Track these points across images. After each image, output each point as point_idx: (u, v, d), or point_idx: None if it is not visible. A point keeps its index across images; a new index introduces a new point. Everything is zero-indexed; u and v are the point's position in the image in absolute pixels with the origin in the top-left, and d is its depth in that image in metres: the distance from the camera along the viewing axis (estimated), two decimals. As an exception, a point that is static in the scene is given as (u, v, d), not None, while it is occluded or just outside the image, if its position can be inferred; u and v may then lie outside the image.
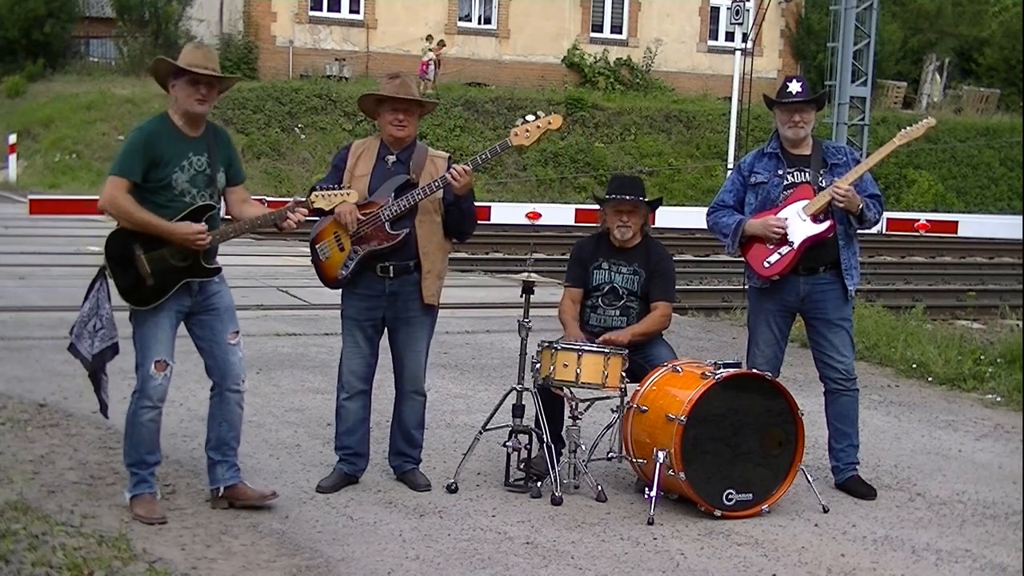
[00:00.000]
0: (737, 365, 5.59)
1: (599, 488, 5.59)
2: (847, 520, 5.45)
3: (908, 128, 5.94)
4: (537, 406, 5.69)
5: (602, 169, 27.76)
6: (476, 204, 5.72)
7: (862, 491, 5.82)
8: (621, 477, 5.94)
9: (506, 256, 17.65)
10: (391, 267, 5.46)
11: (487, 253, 17.77)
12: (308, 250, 5.68)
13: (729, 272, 15.87)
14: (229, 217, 5.23)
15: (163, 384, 5.00)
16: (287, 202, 5.20)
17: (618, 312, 5.99)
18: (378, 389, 5.74)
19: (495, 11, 31.37)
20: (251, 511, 5.13)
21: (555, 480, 5.52)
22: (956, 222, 25.06)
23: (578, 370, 5.56)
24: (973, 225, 25.01)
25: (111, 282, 4.97)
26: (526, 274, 5.76)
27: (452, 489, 5.57)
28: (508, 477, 5.69)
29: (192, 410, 6.61)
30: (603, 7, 32.40)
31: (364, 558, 4.70)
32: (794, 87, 5.82)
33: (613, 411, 5.83)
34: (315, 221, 5.56)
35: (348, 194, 5.24)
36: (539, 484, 5.60)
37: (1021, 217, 21.91)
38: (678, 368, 5.62)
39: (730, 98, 26.60)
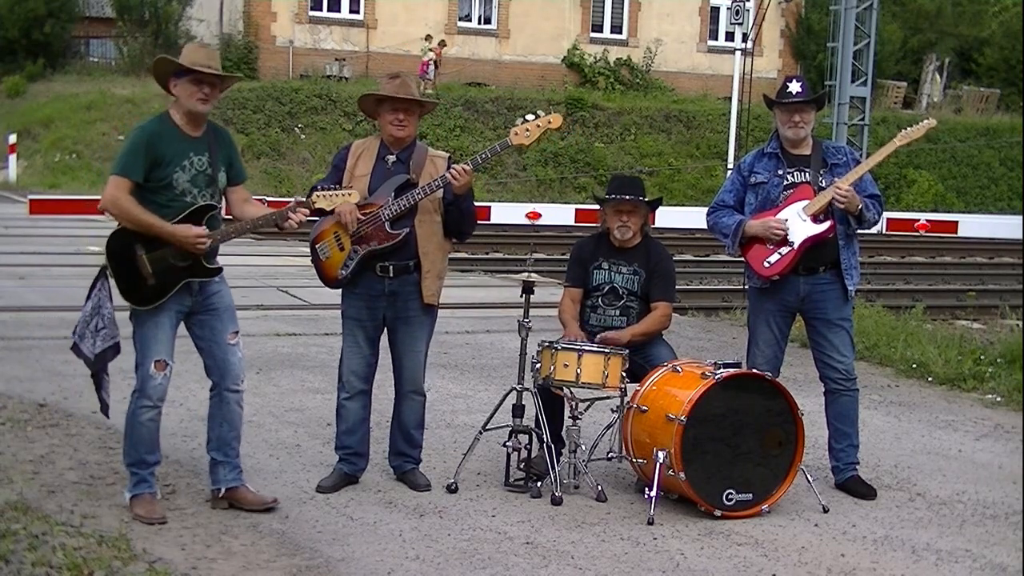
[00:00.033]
0: (737, 365, 5.59)
1: (599, 488, 5.59)
2: (847, 520, 5.45)
3: (908, 129, 5.94)
4: (537, 406, 5.69)
5: (602, 169, 27.77)
6: (476, 204, 5.72)
7: (862, 491, 5.82)
8: (621, 477, 5.94)
9: (506, 256, 17.65)
10: (391, 267, 5.46)
11: (487, 253, 17.77)
12: (308, 250, 5.69)
13: (729, 272, 15.87)
14: (230, 217, 5.24)
15: (163, 384, 5.00)
16: (287, 202, 5.20)
17: (618, 312, 5.99)
18: (378, 389, 5.74)
19: (495, 11, 31.37)
20: (251, 511, 5.13)
21: (555, 480, 5.52)
22: (956, 222, 25.08)
23: (578, 370, 5.56)
24: (973, 225, 25.02)
25: (112, 282, 4.97)
26: (526, 274, 5.76)
27: (452, 489, 5.57)
28: (508, 477, 5.69)
29: (192, 410, 6.61)
30: (603, 7, 32.40)
31: (364, 558, 4.70)
32: (794, 87, 5.82)
33: (613, 411, 5.83)
34: (315, 221, 5.56)
35: (349, 194, 5.24)
36: (539, 484, 5.60)
37: (1021, 217, 21.91)
38: (678, 368, 5.62)
39: (730, 98, 26.60)
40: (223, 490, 5.16)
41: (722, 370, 5.43)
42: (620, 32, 32.57)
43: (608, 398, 5.80)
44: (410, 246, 5.46)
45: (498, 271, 15.76)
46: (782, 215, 5.76)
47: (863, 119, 18.49)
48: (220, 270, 5.10)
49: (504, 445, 5.67)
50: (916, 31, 35.34)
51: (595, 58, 31.80)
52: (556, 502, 5.45)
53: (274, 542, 4.82)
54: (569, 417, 5.65)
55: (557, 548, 4.90)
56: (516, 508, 5.40)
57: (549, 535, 5.06)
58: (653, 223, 7.25)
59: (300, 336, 9.41)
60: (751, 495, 5.39)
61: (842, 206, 5.69)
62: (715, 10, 32.59)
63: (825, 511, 5.50)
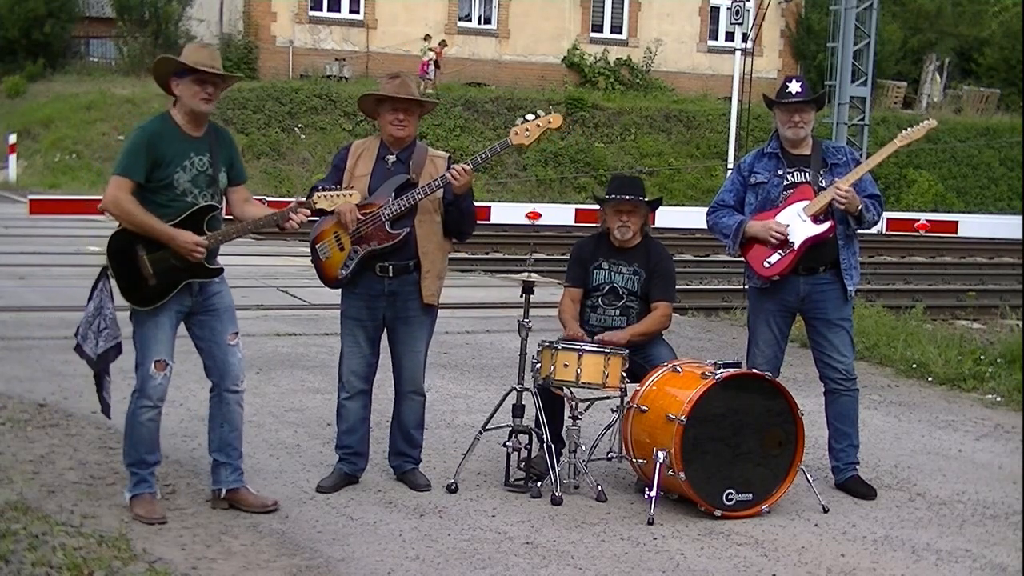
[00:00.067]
0: (737, 365, 5.59)
1: (599, 488, 5.59)
2: (847, 520, 5.45)
3: (909, 129, 5.94)
4: (537, 406, 5.69)
5: (602, 169, 27.77)
6: (476, 204, 5.72)
7: (862, 491, 5.82)
8: (621, 477, 5.94)
9: (506, 256, 17.65)
10: (390, 267, 5.46)
11: (487, 253, 17.77)
12: (308, 250, 5.69)
13: (729, 272, 15.87)
14: (230, 217, 5.23)
15: (163, 384, 5.00)
16: (288, 202, 5.20)
17: (618, 312, 5.99)
18: (378, 389, 5.74)
19: (495, 11, 31.37)
20: (251, 512, 5.13)
21: (555, 480, 5.52)
22: (956, 222, 25.10)
23: (578, 370, 5.56)
24: (973, 225, 25.03)
25: (113, 282, 4.97)
26: (526, 274, 5.76)
27: (452, 489, 5.57)
28: (508, 477, 5.69)
29: (192, 410, 6.61)
30: (603, 7, 32.40)
31: (364, 558, 4.70)
32: (794, 87, 5.82)
33: (613, 411, 5.83)
34: (315, 221, 5.56)
35: (350, 195, 5.23)
36: (539, 484, 5.60)
37: (1021, 217, 21.92)
38: (678, 368, 5.62)
39: (730, 98, 26.61)
40: (224, 491, 5.16)
41: (722, 370, 5.43)
42: (620, 32, 32.56)
43: (608, 398, 5.80)
44: (410, 246, 5.46)
45: (498, 271, 15.76)
46: (782, 216, 5.76)
47: (863, 119, 18.50)
48: (221, 271, 5.09)
49: (504, 445, 5.67)
50: (916, 31, 35.35)
51: (595, 58, 31.79)
52: (556, 502, 5.45)
53: (274, 542, 4.82)
54: (569, 417, 5.65)
55: (557, 548, 4.90)
56: (516, 508, 5.40)
57: (549, 535, 5.05)
58: (653, 223, 7.25)
59: (300, 336, 9.41)
60: (751, 495, 5.39)
61: (842, 207, 5.68)
62: (715, 10, 32.59)
63: (825, 511, 5.50)
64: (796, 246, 5.73)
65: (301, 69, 29.22)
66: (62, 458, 5.76)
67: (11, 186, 23.93)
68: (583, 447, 5.74)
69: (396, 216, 5.41)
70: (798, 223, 5.73)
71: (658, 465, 5.31)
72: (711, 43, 33.14)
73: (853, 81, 17.70)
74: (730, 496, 5.35)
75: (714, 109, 30.38)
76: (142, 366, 4.97)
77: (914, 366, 8.98)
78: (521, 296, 5.75)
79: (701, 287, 15.32)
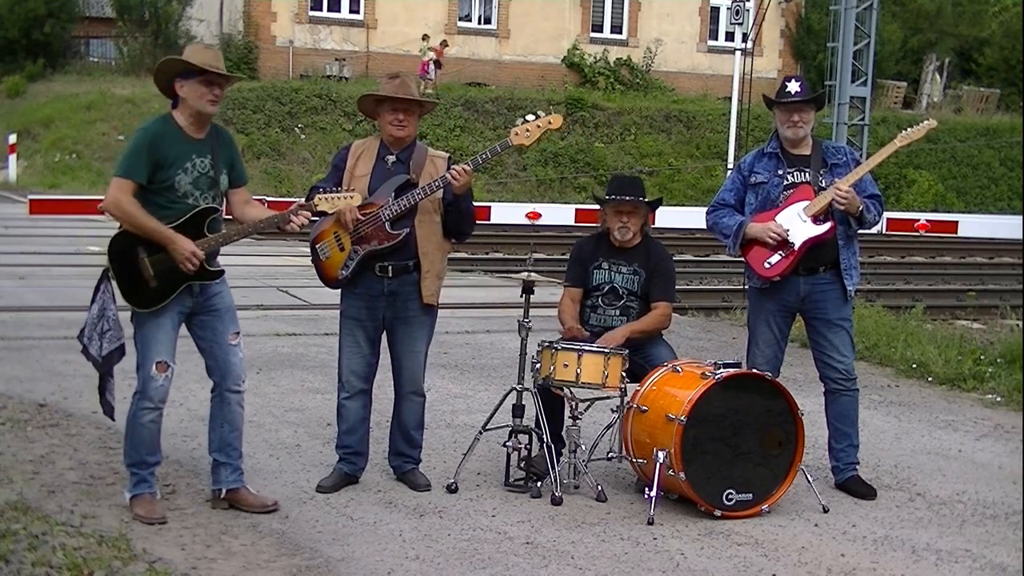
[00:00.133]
0: (737, 365, 5.59)
1: (599, 488, 5.59)
2: (847, 520, 5.45)
3: (909, 130, 5.93)
4: (537, 406, 5.69)
5: (602, 169, 27.78)
6: (476, 204, 5.72)
7: (862, 491, 5.82)
8: (621, 477, 5.94)
9: (506, 256, 17.65)
10: (390, 267, 5.46)
11: (487, 253, 17.77)
12: (308, 250, 5.69)
13: (729, 272, 15.87)
14: (230, 217, 5.23)
15: (164, 385, 5.00)
16: (288, 202, 5.20)
17: (618, 312, 5.99)
18: (378, 389, 5.74)
19: (495, 11, 31.37)
20: (251, 512, 5.13)
21: (555, 480, 5.52)
22: (956, 222, 25.10)
23: (578, 370, 5.56)
24: (973, 225, 25.03)
25: (114, 283, 4.96)
26: (526, 274, 5.76)
27: (452, 489, 5.57)
28: (508, 477, 5.69)
29: (192, 410, 6.61)
30: (603, 7, 32.40)
31: (364, 558, 4.70)
32: (793, 87, 5.82)
33: (613, 411, 5.83)
34: (315, 222, 5.56)
35: (351, 196, 5.22)
36: (539, 484, 5.60)
37: (1021, 217, 21.92)
38: (678, 368, 5.62)
39: (730, 98, 26.61)
40: (224, 491, 5.16)
41: (722, 370, 5.43)
42: (620, 32, 32.57)
43: (608, 398, 5.80)
44: (410, 246, 5.46)
45: (498, 271, 15.76)
46: (782, 216, 5.76)
47: (863, 119, 18.51)
48: (222, 272, 5.09)
49: (504, 445, 5.67)
50: (916, 31, 35.35)
51: (595, 58, 31.79)
52: (556, 502, 5.45)
53: (274, 542, 4.82)
54: (569, 417, 5.65)
55: (557, 548, 4.90)
56: (516, 508, 5.40)
57: (549, 535, 5.06)
58: (653, 223, 7.25)
59: (300, 336, 9.41)
60: (751, 495, 5.39)
61: (842, 207, 5.68)
62: (715, 10, 32.59)
63: (825, 511, 5.50)
64: (796, 247, 5.73)
65: (301, 69, 29.23)
66: (62, 458, 5.76)
67: (11, 186, 23.93)
68: (583, 447, 5.74)
69: (396, 216, 5.41)
70: (798, 224, 5.73)
71: (658, 465, 5.31)
72: (711, 43, 33.15)
73: (853, 81, 17.71)
74: (730, 496, 5.35)
75: (714, 109, 30.38)
76: (143, 367, 4.97)
77: (914, 366, 8.98)
78: (521, 296, 5.75)
79: (701, 287, 15.32)
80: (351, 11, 30.03)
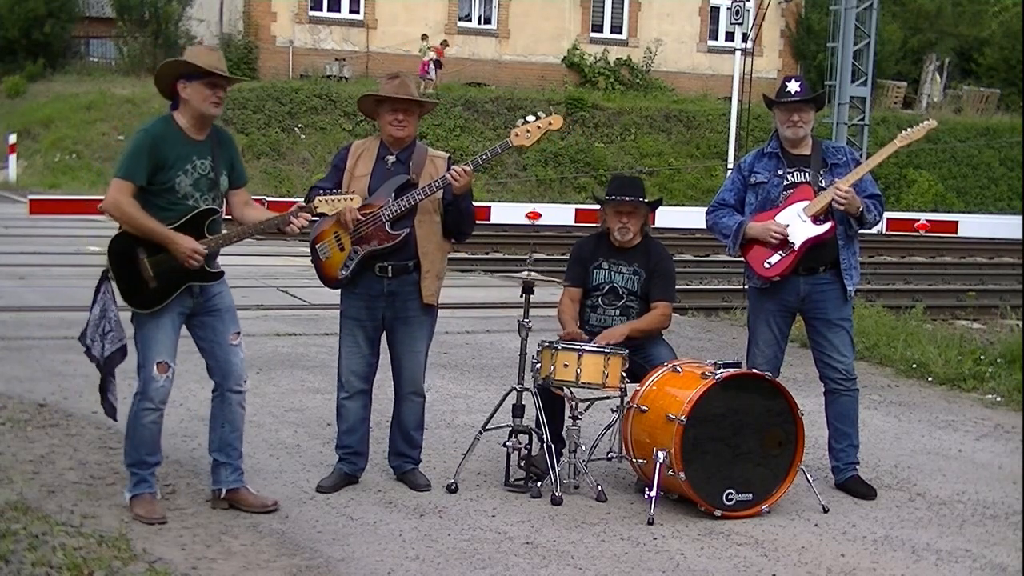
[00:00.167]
0: (737, 365, 5.59)
1: (599, 488, 5.59)
2: (847, 520, 5.45)
3: (909, 130, 5.93)
4: (537, 406, 5.69)
5: (602, 169, 27.78)
6: (476, 204, 5.72)
7: (862, 491, 5.82)
8: (621, 477, 5.94)
9: (506, 256, 17.66)
10: (389, 267, 5.46)
11: (487, 253, 17.78)
12: (308, 250, 5.68)
13: (729, 272, 15.87)
14: (230, 217, 5.23)
15: (165, 386, 5.00)
16: (288, 203, 5.19)
17: (618, 312, 5.99)
18: (378, 389, 5.74)
19: (495, 11, 31.37)
20: (251, 512, 5.13)
21: (555, 480, 5.52)
22: (956, 222, 25.09)
23: (578, 370, 5.56)
24: (973, 225, 25.03)
25: (114, 284, 4.96)
26: (526, 273, 5.76)
27: (452, 489, 5.57)
28: (508, 477, 5.69)
29: (192, 410, 6.62)
30: (603, 7, 32.40)
31: (364, 558, 4.70)
32: (792, 87, 5.82)
33: (613, 411, 5.83)
34: (315, 222, 5.56)
35: (351, 198, 5.22)
36: (539, 484, 5.60)
37: (1021, 217, 21.92)
38: (678, 368, 5.62)
39: (730, 98, 26.61)
40: (224, 491, 5.16)
41: (722, 370, 5.43)
42: (620, 32, 32.57)
43: (608, 398, 5.80)
44: (410, 246, 5.46)
45: (498, 271, 15.76)
46: (782, 216, 5.76)
47: (863, 119, 18.51)
48: (222, 274, 5.09)
49: (504, 445, 5.67)
50: (916, 31, 35.35)
51: (595, 58, 31.80)
52: (556, 502, 5.45)
53: (274, 542, 4.82)
54: (569, 417, 5.65)
55: (557, 548, 4.90)
56: (516, 508, 5.40)
57: (549, 535, 5.06)
58: (653, 223, 7.25)
59: (300, 336, 9.41)
60: (751, 495, 5.39)
61: (842, 207, 5.68)
62: (715, 10, 32.60)
63: (825, 511, 5.50)
64: (796, 247, 5.73)
65: (301, 69, 29.23)
66: (62, 458, 5.76)
67: (11, 186, 23.94)
68: (583, 447, 5.74)
69: (396, 216, 5.41)
70: (798, 224, 5.73)
71: (658, 465, 5.31)
72: (711, 43, 33.15)
73: (853, 81, 17.72)
74: (730, 496, 5.35)
75: (714, 109, 30.39)
76: (144, 368, 4.97)
77: (914, 366, 8.98)
78: (521, 296, 5.75)
79: (701, 287, 15.32)
80: (351, 11, 30.04)
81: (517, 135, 5.52)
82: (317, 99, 27.42)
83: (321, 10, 29.81)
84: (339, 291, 5.62)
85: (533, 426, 5.68)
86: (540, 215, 22.13)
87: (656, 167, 28.46)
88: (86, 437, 6.14)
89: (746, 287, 6.19)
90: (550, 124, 5.53)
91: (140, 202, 4.85)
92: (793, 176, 5.84)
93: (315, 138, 26.86)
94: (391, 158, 5.53)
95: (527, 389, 5.74)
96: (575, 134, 28.67)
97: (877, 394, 8.18)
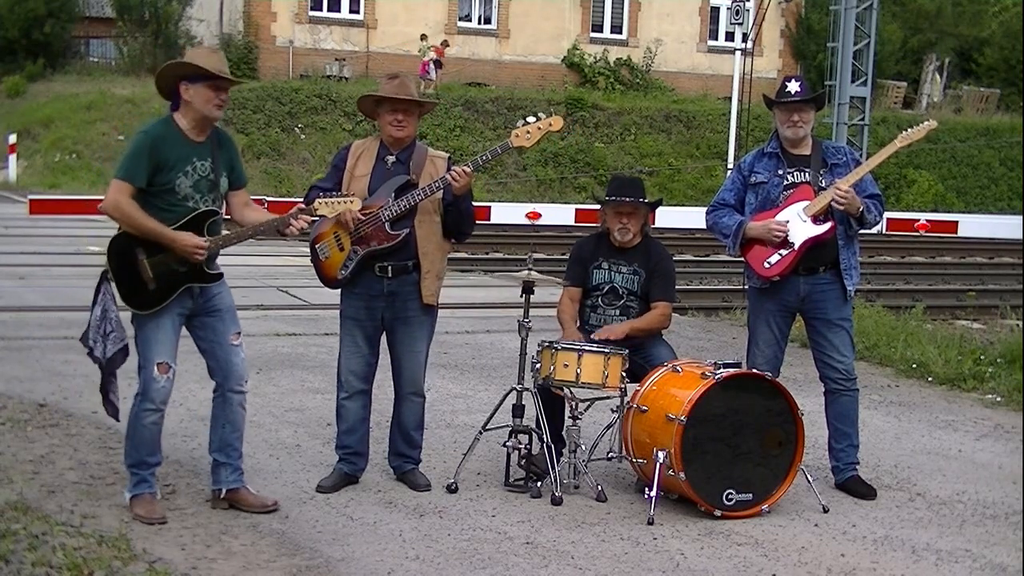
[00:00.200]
0: (737, 365, 5.59)
1: (599, 488, 5.59)
2: (847, 520, 5.45)
3: (909, 130, 5.93)
4: (537, 406, 5.69)
5: (602, 169, 27.78)
6: (476, 204, 5.72)
7: (862, 491, 5.82)
8: (621, 477, 5.94)
9: (506, 256, 17.65)
10: (389, 267, 5.46)
11: (487, 253, 17.77)
12: (308, 250, 5.69)
13: (729, 272, 15.87)
14: (229, 217, 5.23)
15: (166, 387, 5.00)
16: (288, 203, 5.20)
17: (618, 312, 5.99)
18: (378, 389, 5.74)
19: (495, 11, 31.37)
20: (251, 512, 5.13)
21: (555, 480, 5.52)
22: (956, 222, 25.08)
23: (578, 370, 5.56)
24: (973, 225, 25.02)
25: (113, 285, 4.96)
26: (526, 274, 5.76)
27: (452, 489, 5.57)
28: (508, 477, 5.69)
29: (192, 410, 6.62)
30: (603, 7, 32.40)
31: (364, 558, 4.70)
32: (792, 87, 5.82)
33: (613, 411, 5.83)
34: (315, 223, 5.56)
35: (351, 201, 5.21)
36: (539, 484, 5.60)
37: (1021, 217, 21.91)
38: (678, 368, 5.62)
39: (730, 98, 26.61)
40: (224, 491, 5.16)
41: (722, 370, 5.43)
42: (620, 32, 32.57)
43: (608, 398, 5.80)
44: (410, 246, 5.46)
45: (498, 271, 15.76)
46: (782, 216, 5.76)
47: (863, 119, 18.52)
48: (221, 275, 5.08)
49: (504, 445, 5.67)
50: (916, 31, 35.35)
51: (595, 58, 31.80)
52: (556, 502, 5.45)
53: (274, 542, 4.82)
54: (569, 417, 5.65)
55: (557, 548, 4.90)
56: (516, 508, 5.40)
57: (549, 535, 5.06)
58: (653, 223, 7.25)
59: (300, 336, 9.41)
60: (751, 495, 5.39)
61: (841, 207, 5.68)
62: (715, 10, 32.60)
63: (825, 511, 5.50)
64: (796, 247, 5.73)
65: (301, 69, 29.23)
66: (62, 458, 5.76)
67: (11, 186, 23.93)
68: (583, 447, 5.74)
69: (396, 217, 5.41)
70: (798, 223, 5.73)
71: (658, 465, 5.31)
72: (711, 43, 33.15)
73: (853, 81, 17.73)
74: (730, 496, 5.35)
75: (714, 109, 30.39)
76: (145, 369, 4.96)
77: (914, 366, 8.98)
78: (521, 296, 5.75)
79: (701, 287, 15.32)
80: (351, 11, 30.04)
81: (517, 136, 5.53)
82: (317, 99, 27.42)
83: (321, 10, 29.81)
84: (339, 291, 5.63)
85: (533, 426, 5.68)
86: (540, 215, 22.12)
87: (656, 167, 28.46)
88: (86, 437, 6.14)
89: (746, 287, 6.20)
90: (550, 125, 5.53)
91: (140, 204, 4.84)
92: (793, 176, 5.84)
93: (315, 138, 26.87)
94: (391, 158, 5.53)
95: (527, 389, 5.74)
96: (575, 134, 28.67)
97: (877, 394, 8.18)
